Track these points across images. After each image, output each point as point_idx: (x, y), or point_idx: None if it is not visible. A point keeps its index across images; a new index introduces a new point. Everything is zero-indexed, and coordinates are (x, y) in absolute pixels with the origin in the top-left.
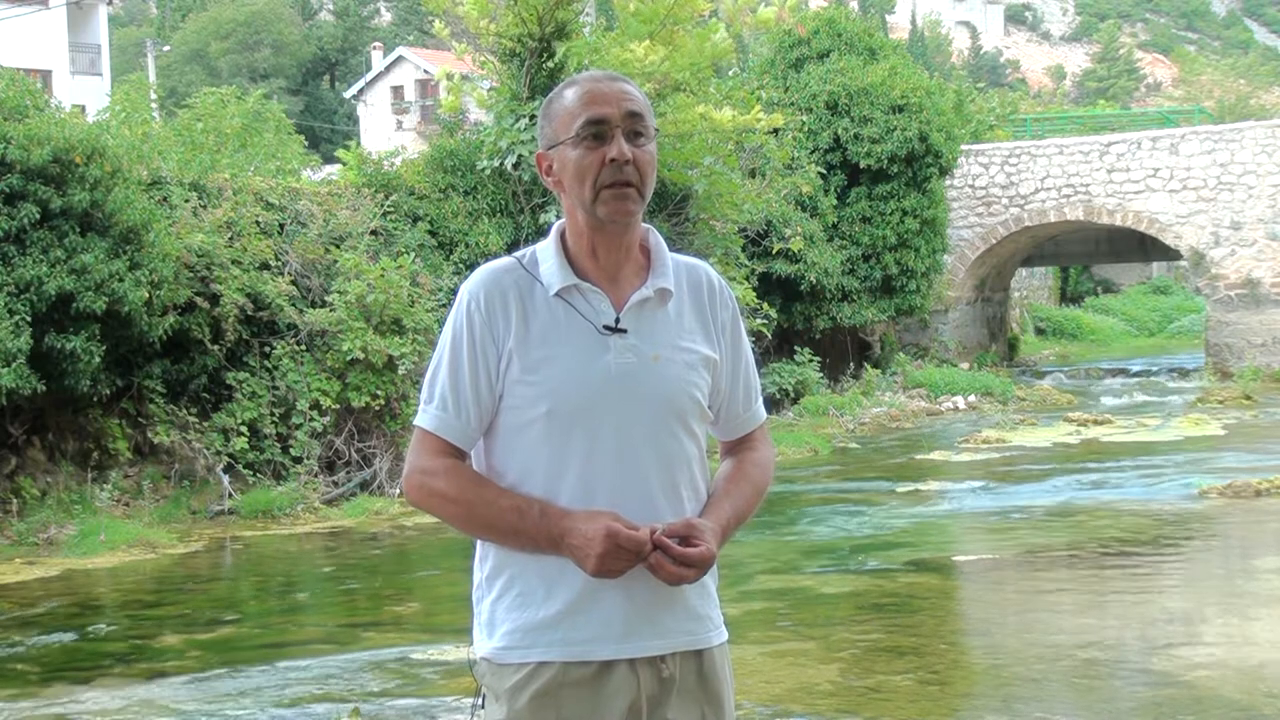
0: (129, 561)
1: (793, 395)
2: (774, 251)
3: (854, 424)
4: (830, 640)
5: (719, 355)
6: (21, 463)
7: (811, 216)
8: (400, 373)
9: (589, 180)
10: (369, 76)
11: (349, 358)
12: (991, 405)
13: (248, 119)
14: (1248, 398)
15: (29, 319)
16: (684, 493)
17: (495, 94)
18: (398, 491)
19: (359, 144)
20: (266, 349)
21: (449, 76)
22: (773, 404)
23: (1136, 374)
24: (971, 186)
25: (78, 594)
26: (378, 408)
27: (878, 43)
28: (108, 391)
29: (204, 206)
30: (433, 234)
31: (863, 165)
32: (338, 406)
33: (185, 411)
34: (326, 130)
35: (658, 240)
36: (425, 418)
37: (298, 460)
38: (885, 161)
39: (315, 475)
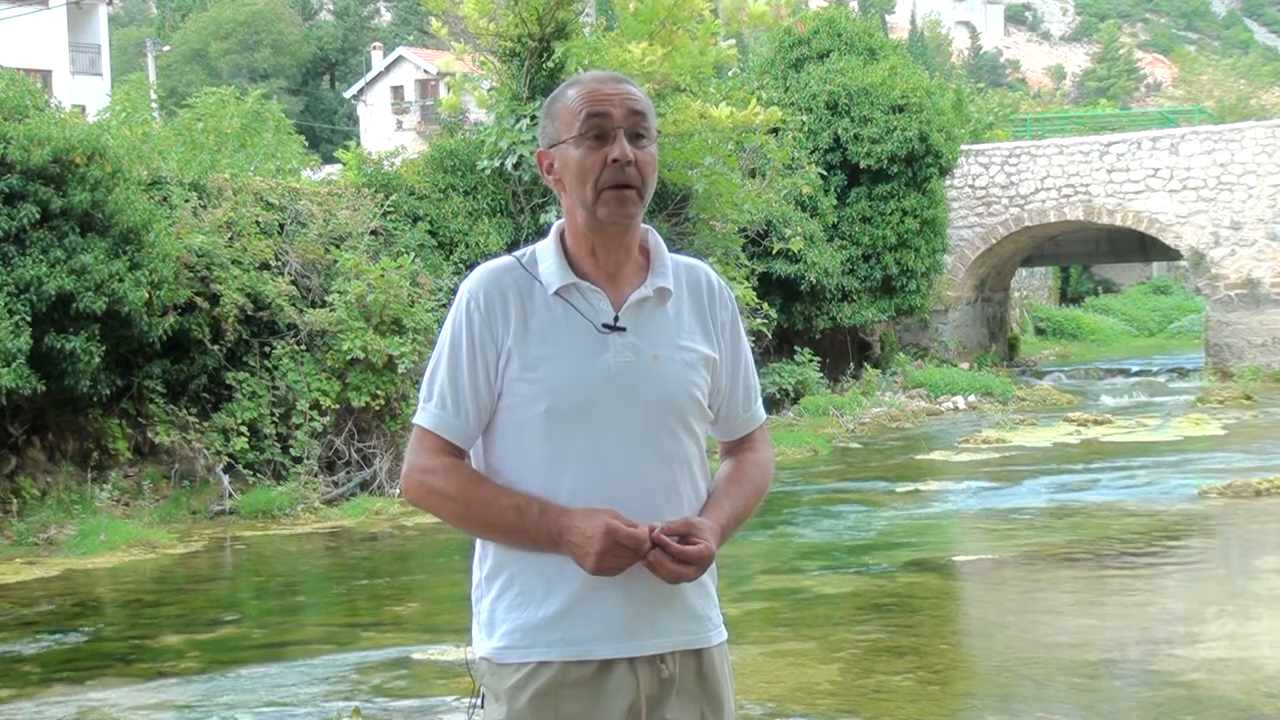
0: (129, 561)
1: (793, 395)
2: (774, 251)
3: (854, 424)
4: (830, 640)
5: (718, 355)
6: (21, 463)
7: (811, 216)
8: (400, 372)
9: (590, 180)
10: (369, 76)
11: (349, 358)
12: (991, 405)
13: (248, 119)
14: (1248, 398)
15: (29, 319)
16: (683, 492)
17: (495, 94)
18: (398, 491)
19: (359, 144)
20: (266, 349)
21: (449, 74)
22: (773, 404)
23: (1136, 374)
24: (971, 186)
25: (78, 594)
26: (378, 408)
27: (878, 43)
28: (108, 391)
29: (204, 206)
30: (433, 234)
31: (863, 165)
32: (338, 406)
33: (185, 411)
34: (326, 130)
35: (657, 240)
36: (424, 416)
37: (298, 460)
38: (885, 161)
39: (315, 475)
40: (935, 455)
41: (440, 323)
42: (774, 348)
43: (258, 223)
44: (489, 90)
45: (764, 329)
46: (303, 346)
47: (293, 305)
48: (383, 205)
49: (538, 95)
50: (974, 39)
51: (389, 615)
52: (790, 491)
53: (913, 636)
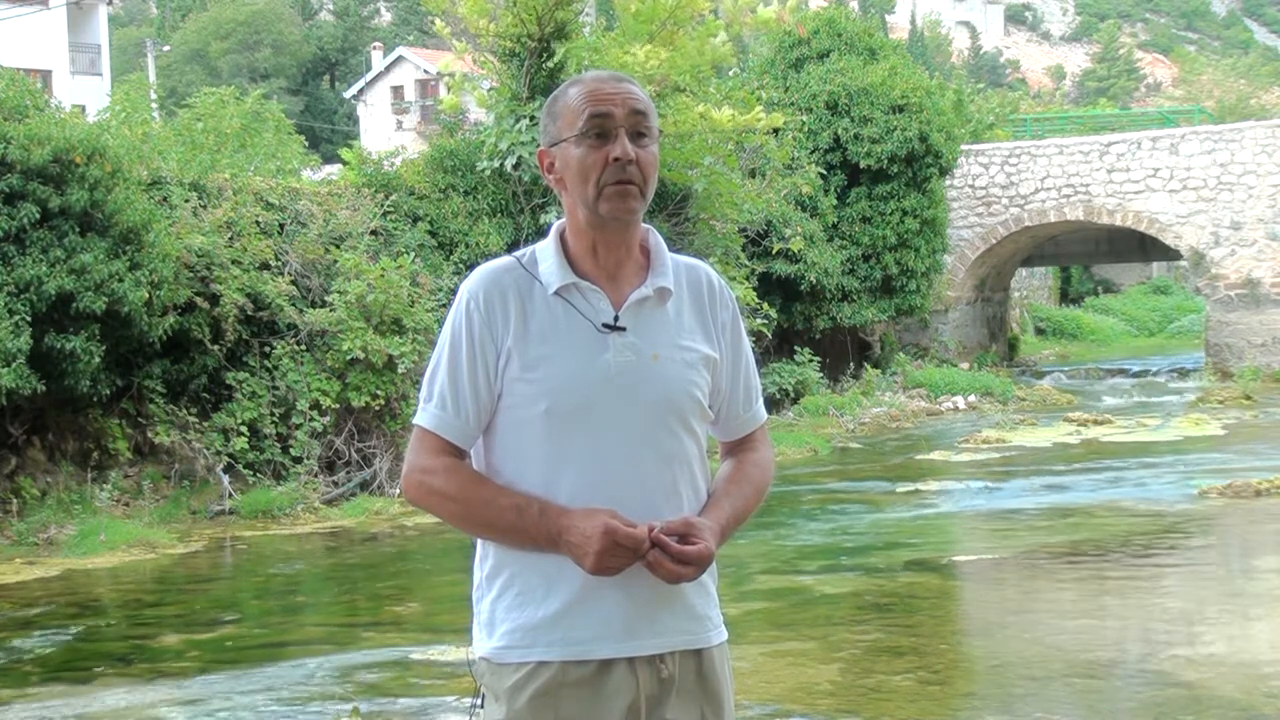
0: (129, 561)
1: (793, 395)
2: (774, 251)
3: (854, 424)
4: (830, 640)
5: (719, 355)
6: (21, 463)
7: (811, 216)
8: (400, 372)
9: (592, 178)
10: (369, 76)
11: (349, 358)
12: (991, 405)
13: (247, 119)
14: (1248, 398)
15: (29, 319)
16: (683, 492)
17: (495, 94)
18: (398, 491)
19: (360, 143)
20: (266, 349)
21: (450, 75)
22: (773, 404)
23: (1136, 374)
24: (971, 186)
25: (78, 594)
26: (378, 408)
27: (878, 43)
28: (108, 391)
29: (204, 206)
30: (433, 234)
31: (863, 165)
32: (338, 406)
33: (185, 411)
34: (326, 130)
35: (657, 240)
36: (424, 416)
37: (298, 460)
38: (885, 161)
39: (315, 475)
40: (935, 455)
41: (440, 323)
42: (774, 348)
43: (258, 223)
44: (489, 90)
45: (764, 329)
46: (303, 346)
47: (293, 305)
48: (383, 205)
49: (538, 95)
50: (974, 39)
51: (389, 615)
52: (790, 491)
53: (913, 636)
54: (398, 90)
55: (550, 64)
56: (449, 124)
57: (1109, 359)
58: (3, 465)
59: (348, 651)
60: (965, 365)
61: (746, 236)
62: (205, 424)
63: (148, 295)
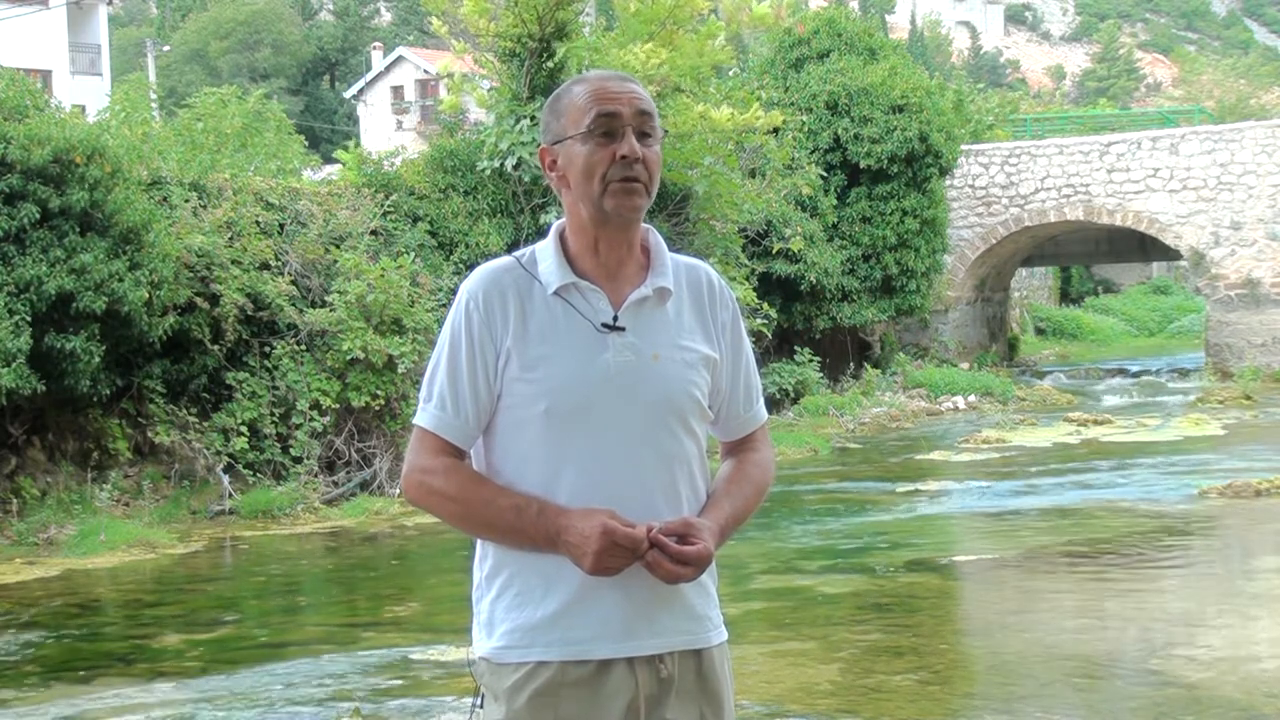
0: (129, 561)
1: (793, 395)
2: (774, 251)
3: (854, 424)
4: (830, 640)
5: (719, 355)
6: (21, 463)
7: (811, 216)
8: (400, 372)
9: (598, 174)
10: (369, 76)
11: (349, 358)
12: (991, 405)
13: (248, 119)
14: (1248, 398)
15: (29, 319)
16: (683, 492)
17: (495, 94)
18: (398, 491)
19: (358, 144)
20: (266, 349)
21: (449, 75)
22: (773, 404)
23: (1136, 374)
24: (971, 186)
25: (78, 594)
26: (378, 408)
27: (878, 43)
28: (108, 391)
29: (204, 206)
30: (433, 234)
31: (863, 165)
32: (338, 406)
33: (185, 411)
34: (326, 130)
35: (657, 240)
36: (424, 417)
37: (298, 460)
38: (885, 161)
39: (315, 475)
40: (935, 455)
41: (440, 323)
42: (774, 348)
43: (258, 223)
44: (489, 90)
45: (764, 329)
46: (303, 346)
47: (293, 305)
48: (383, 205)
49: (538, 95)
50: (974, 39)
51: (389, 615)
52: (790, 491)
53: (913, 636)
54: (398, 90)
55: (550, 64)
56: (449, 124)
57: (1109, 359)
58: (3, 465)
59: (348, 651)
60: (965, 365)
61: (746, 236)
62: (205, 424)
63: (148, 295)
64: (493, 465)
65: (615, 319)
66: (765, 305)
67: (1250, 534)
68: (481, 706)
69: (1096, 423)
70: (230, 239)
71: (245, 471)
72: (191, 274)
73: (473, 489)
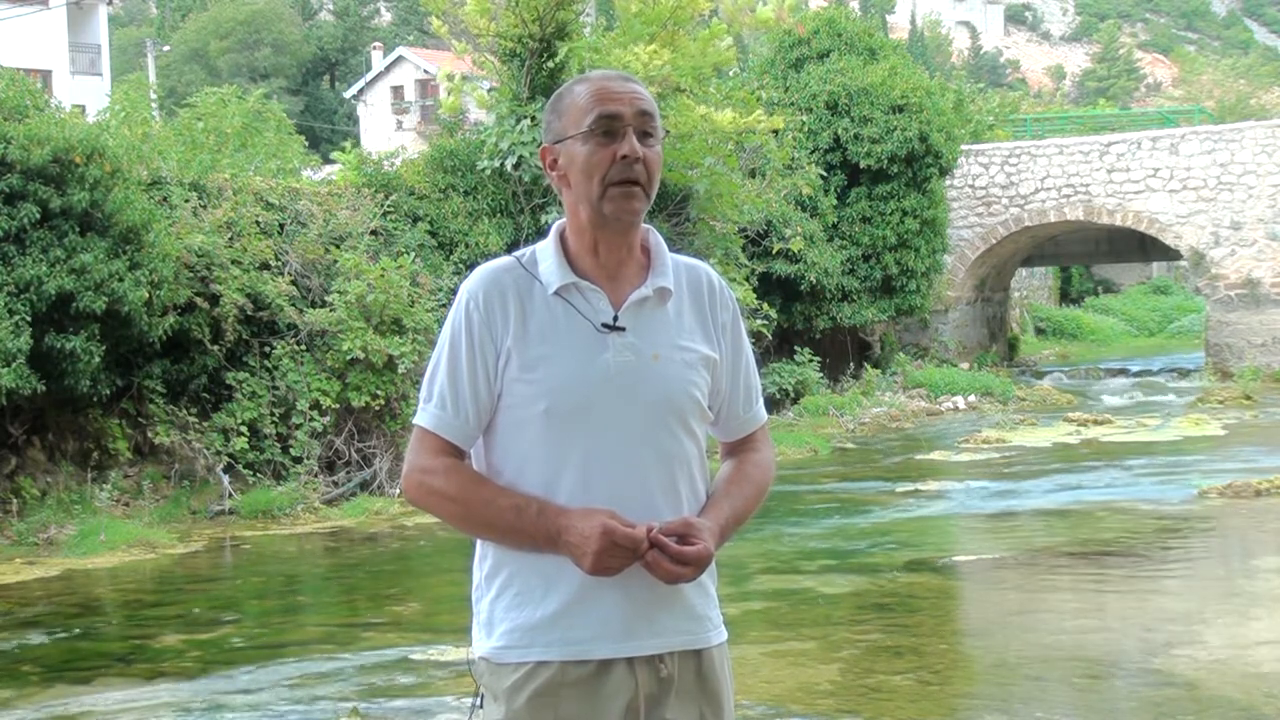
0: (129, 561)
1: (793, 395)
2: (774, 251)
3: (854, 424)
4: (830, 640)
5: (719, 355)
6: (21, 463)
7: (811, 216)
8: (400, 372)
9: (598, 176)
10: (369, 76)
11: (349, 358)
12: (991, 405)
13: (248, 119)
14: (1248, 398)
15: (29, 319)
16: (683, 492)
17: (496, 94)
18: (398, 491)
19: (356, 144)
20: (266, 349)
21: (449, 77)
22: (773, 404)
23: (1136, 374)
24: (971, 186)
25: (78, 594)
26: (378, 408)
27: (878, 43)
28: (108, 391)
29: (204, 206)
30: (433, 234)
31: (863, 165)
32: (338, 406)
33: (185, 411)
34: (326, 130)
35: (658, 240)
36: (424, 417)
37: (298, 460)
38: (885, 161)
39: (315, 475)
40: (935, 455)
41: (440, 323)
42: (774, 348)
43: (258, 223)
44: (489, 91)
45: (764, 329)
46: (303, 346)
47: (293, 305)
48: (383, 205)
49: (538, 96)
50: (974, 39)
51: (389, 615)
52: (790, 491)
53: (913, 636)
54: (398, 90)
55: (551, 64)
56: (449, 124)
57: (1109, 359)
58: (3, 465)
59: (348, 651)
60: (965, 365)
61: (746, 236)
62: (205, 424)
63: (148, 295)
64: (493, 465)
65: (615, 319)
66: (765, 305)
67: (1250, 534)
68: (481, 706)
69: (1096, 423)
70: (230, 239)
71: (245, 471)
72: (191, 274)
73: (473, 489)
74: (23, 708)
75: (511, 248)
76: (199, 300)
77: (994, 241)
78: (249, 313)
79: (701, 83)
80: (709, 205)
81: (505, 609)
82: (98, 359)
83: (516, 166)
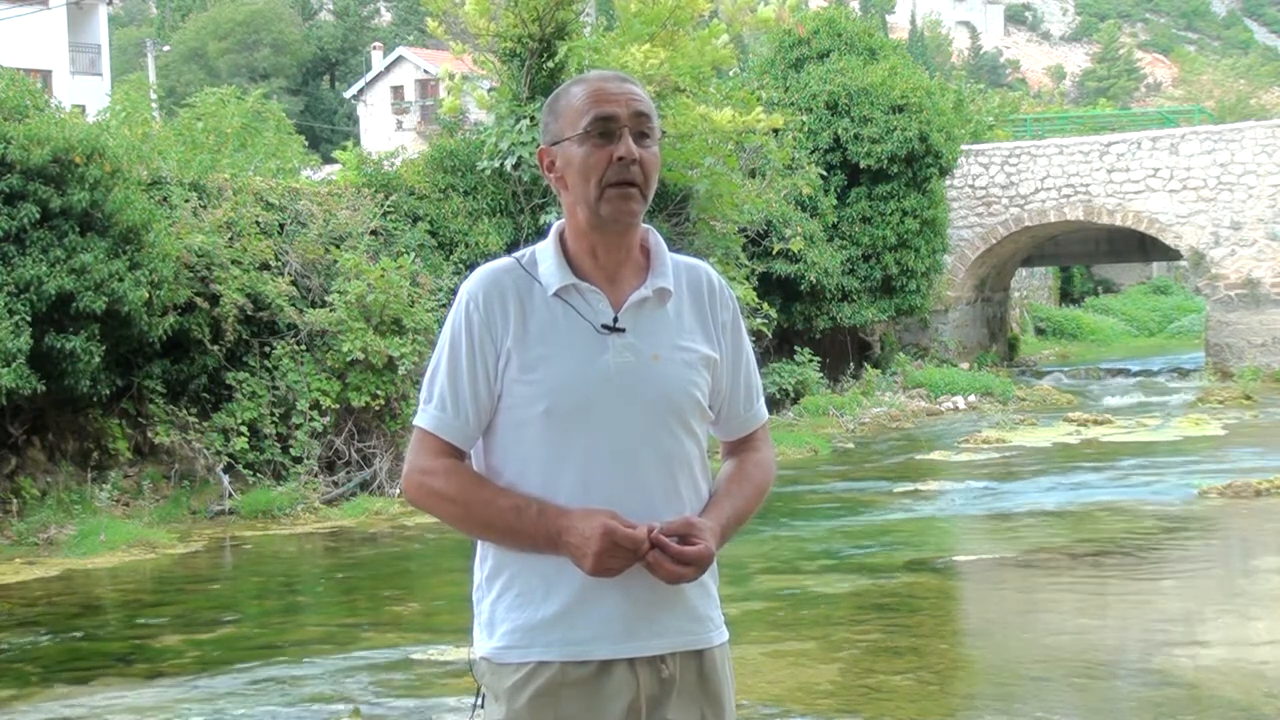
0: (129, 561)
1: (793, 395)
2: (774, 251)
3: (854, 424)
4: (830, 640)
5: (719, 355)
6: (21, 463)
7: (811, 216)
8: (400, 373)
9: (594, 178)
10: (369, 76)
11: (349, 358)
12: (991, 405)
13: (248, 119)
14: (1248, 398)
15: (29, 319)
16: (684, 493)
17: (495, 94)
18: (398, 491)
19: (356, 144)
20: (266, 349)
21: (450, 77)
22: (773, 404)
23: (1136, 374)
24: (971, 186)
25: (78, 594)
26: (378, 408)
27: (878, 43)
28: (108, 391)
29: (204, 206)
30: (433, 234)
31: (863, 165)
32: (338, 406)
33: (185, 411)
34: (326, 130)
35: (657, 240)
36: (424, 418)
37: (298, 460)
38: (885, 161)
39: (315, 475)
40: (935, 455)
41: (440, 323)
42: (774, 348)
43: (258, 223)
44: (489, 91)
45: (764, 329)
46: (303, 346)
47: (293, 305)
48: (383, 205)
49: (538, 96)
50: (974, 39)
51: (389, 615)
52: (790, 491)
53: (913, 636)
54: (398, 90)
55: (551, 64)
56: (449, 124)
57: (1109, 359)
58: (3, 465)
59: (348, 651)
60: (965, 365)
61: (746, 236)
62: (205, 424)
63: (148, 295)
64: (493, 466)
65: (615, 320)
66: (765, 305)
67: (1250, 534)
68: (482, 706)
69: (1096, 423)
70: (230, 239)
71: (245, 471)
72: (191, 274)
73: (473, 490)
74: (23, 708)
75: (511, 248)
76: (199, 300)
77: (994, 241)
78: (249, 313)
79: (701, 83)
80: (709, 205)
81: (506, 609)
82: (98, 359)
83: (516, 166)
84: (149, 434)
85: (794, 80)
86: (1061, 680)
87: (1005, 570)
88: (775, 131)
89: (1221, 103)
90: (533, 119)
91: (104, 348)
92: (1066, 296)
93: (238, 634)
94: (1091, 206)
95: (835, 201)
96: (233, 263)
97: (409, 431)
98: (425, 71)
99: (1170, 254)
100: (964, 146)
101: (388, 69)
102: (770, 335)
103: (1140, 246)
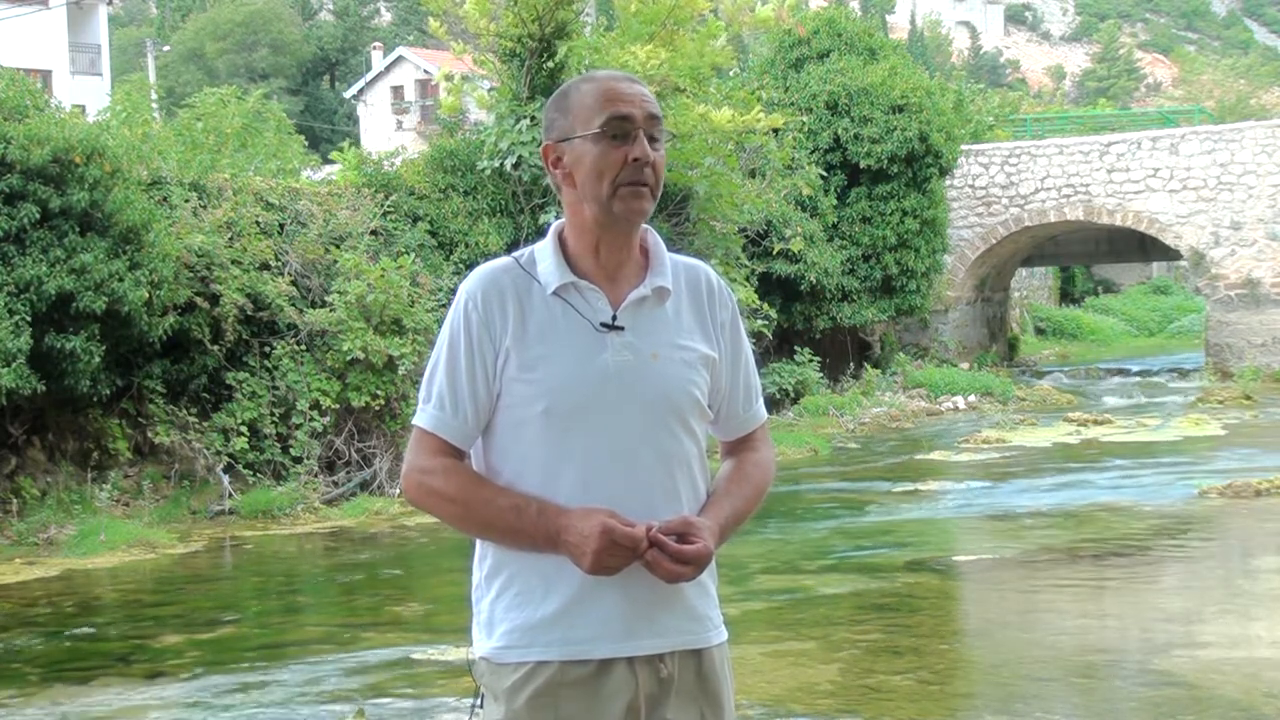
0: (129, 561)
1: (793, 395)
2: (774, 251)
3: (854, 424)
4: (830, 640)
5: (718, 354)
6: (21, 463)
7: (811, 216)
8: (400, 373)
9: (608, 176)
10: (369, 76)
11: (349, 358)
12: (991, 405)
13: (248, 119)
14: (1248, 398)
15: (29, 319)
16: (683, 492)
17: (495, 94)
18: (398, 491)
19: (355, 144)
20: (266, 349)
21: (449, 77)
22: (773, 404)
23: (1136, 374)
24: (971, 186)
25: (78, 594)
26: (378, 408)
27: (878, 43)
28: (108, 391)
29: (204, 206)
30: (433, 234)
31: (863, 165)
32: (338, 406)
33: (185, 411)
34: (326, 130)
35: (656, 240)
36: (423, 417)
37: (298, 460)
38: (885, 161)
39: (315, 475)
40: (935, 455)
41: (440, 323)
42: (774, 348)
43: (258, 223)
44: (489, 91)
45: (764, 329)
46: (303, 346)
47: (293, 305)
48: (383, 205)
49: (538, 95)
50: (974, 39)
51: (389, 615)
52: (790, 491)
53: (913, 636)
54: (398, 90)
55: (551, 64)
56: (449, 124)
57: (1109, 359)
58: (3, 465)
59: (348, 651)
60: (965, 365)
61: (746, 237)
62: (205, 424)
63: (148, 295)
64: (491, 465)
65: (614, 318)
66: (765, 305)
67: (1250, 534)
68: (481, 706)
69: (1096, 423)
70: (230, 239)
71: (245, 471)
72: (191, 274)
73: (472, 489)
74: (23, 708)
75: (511, 248)
76: (199, 300)
77: (994, 241)
78: (249, 313)
79: (701, 83)
80: (709, 205)
81: (505, 609)
82: (98, 359)
83: (516, 166)
84: (149, 434)
85: (794, 80)
86: (1061, 680)
87: (1005, 570)
88: (775, 131)
89: (1221, 103)
90: (533, 119)
91: (104, 348)
92: (1066, 296)
93: (238, 634)
94: (1091, 206)
95: (835, 201)
96: (233, 263)
97: (409, 431)
98: (425, 71)
99: (1170, 254)
100: (964, 146)
101: (388, 69)
102: (770, 335)
103: (1140, 246)
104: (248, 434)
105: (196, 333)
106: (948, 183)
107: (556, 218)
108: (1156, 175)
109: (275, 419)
